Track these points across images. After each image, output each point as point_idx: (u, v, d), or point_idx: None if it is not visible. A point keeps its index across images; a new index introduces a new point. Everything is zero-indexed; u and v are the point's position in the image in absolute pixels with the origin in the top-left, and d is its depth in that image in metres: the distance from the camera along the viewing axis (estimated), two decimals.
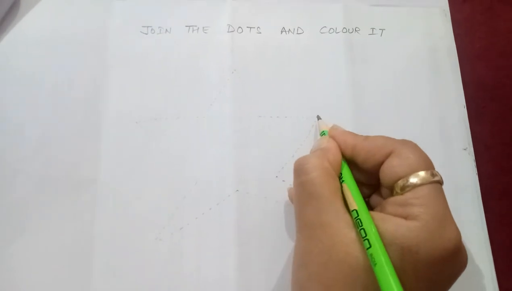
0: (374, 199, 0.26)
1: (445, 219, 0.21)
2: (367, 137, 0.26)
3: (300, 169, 0.24)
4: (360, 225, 0.21)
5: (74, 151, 0.32)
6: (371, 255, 0.20)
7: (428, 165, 0.23)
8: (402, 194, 0.22)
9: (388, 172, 0.23)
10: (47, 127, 0.32)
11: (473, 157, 0.33)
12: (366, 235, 0.21)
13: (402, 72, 0.35)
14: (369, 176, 0.26)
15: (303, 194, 0.24)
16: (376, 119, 0.34)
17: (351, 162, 0.26)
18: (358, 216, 0.22)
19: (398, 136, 0.25)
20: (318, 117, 0.32)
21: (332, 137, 0.27)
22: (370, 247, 0.20)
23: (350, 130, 0.28)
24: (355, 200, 0.23)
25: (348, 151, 0.26)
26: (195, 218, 0.31)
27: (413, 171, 0.22)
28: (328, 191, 0.23)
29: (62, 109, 0.33)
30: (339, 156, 0.25)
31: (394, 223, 0.21)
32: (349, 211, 0.23)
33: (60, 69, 0.34)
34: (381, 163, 0.24)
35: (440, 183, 0.22)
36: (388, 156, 0.24)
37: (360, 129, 0.28)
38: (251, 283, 0.29)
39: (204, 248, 0.30)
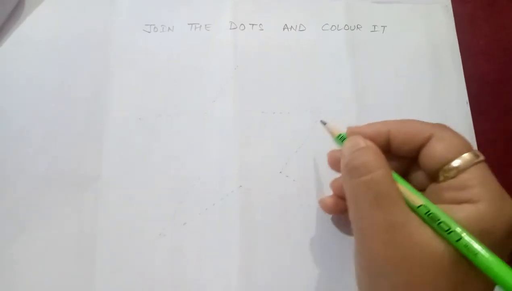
0: None
1: (504, 194, 0.21)
2: (398, 121, 0.25)
3: (358, 167, 0.22)
4: (438, 218, 0.20)
5: (77, 148, 0.32)
6: (465, 246, 0.19)
7: (470, 146, 0.22)
8: (454, 178, 0.21)
9: (433, 155, 0.22)
10: (50, 125, 0.33)
11: None
12: (450, 228, 0.20)
13: (404, 69, 0.35)
14: (399, 164, 0.25)
15: (367, 195, 0.22)
16: (378, 116, 0.33)
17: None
18: (430, 210, 0.21)
19: None
20: (323, 122, 0.28)
21: (358, 134, 0.25)
22: (461, 238, 0.19)
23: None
24: (418, 195, 0.22)
25: (382, 139, 0.24)
26: (198, 214, 0.31)
27: (460, 153, 0.22)
28: (395, 189, 0.22)
29: (65, 107, 0.33)
30: (381, 152, 0.23)
31: (462, 210, 0.20)
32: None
33: (64, 67, 0.34)
34: (419, 147, 0.23)
35: (485, 161, 0.22)
36: (428, 139, 0.23)
37: None
38: (254, 278, 0.29)
39: (207, 243, 0.30)
